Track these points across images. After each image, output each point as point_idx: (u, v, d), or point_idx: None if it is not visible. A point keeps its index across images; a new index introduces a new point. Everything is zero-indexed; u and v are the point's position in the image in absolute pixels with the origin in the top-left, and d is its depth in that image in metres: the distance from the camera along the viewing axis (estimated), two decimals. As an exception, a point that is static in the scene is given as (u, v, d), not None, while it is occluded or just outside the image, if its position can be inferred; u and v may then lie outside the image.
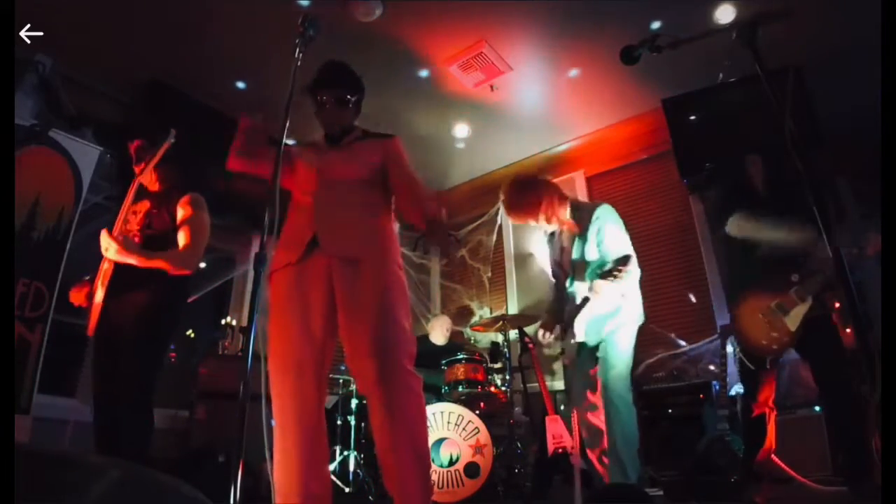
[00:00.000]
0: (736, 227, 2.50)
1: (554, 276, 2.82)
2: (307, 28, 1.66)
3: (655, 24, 3.39)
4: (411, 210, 1.85)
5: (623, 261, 2.31)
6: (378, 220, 1.88)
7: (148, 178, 2.41)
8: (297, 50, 1.68)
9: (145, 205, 2.37)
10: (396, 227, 2.01)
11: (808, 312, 2.25)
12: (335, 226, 1.78)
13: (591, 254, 2.56)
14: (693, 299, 4.02)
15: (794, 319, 2.28)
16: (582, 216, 2.61)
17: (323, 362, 1.75)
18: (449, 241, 1.81)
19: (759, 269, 2.43)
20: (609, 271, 2.32)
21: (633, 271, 2.52)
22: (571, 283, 2.61)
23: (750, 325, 2.39)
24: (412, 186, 1.89)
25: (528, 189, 2.63)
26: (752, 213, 2.45)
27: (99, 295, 2.24)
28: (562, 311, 2.65)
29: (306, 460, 1.63)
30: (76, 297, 2.35)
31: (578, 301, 2.46)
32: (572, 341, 2.53)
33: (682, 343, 3.88)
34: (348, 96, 1.96)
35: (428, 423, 2.94)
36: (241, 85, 4.02)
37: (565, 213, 2.62)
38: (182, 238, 2.30)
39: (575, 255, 2.60)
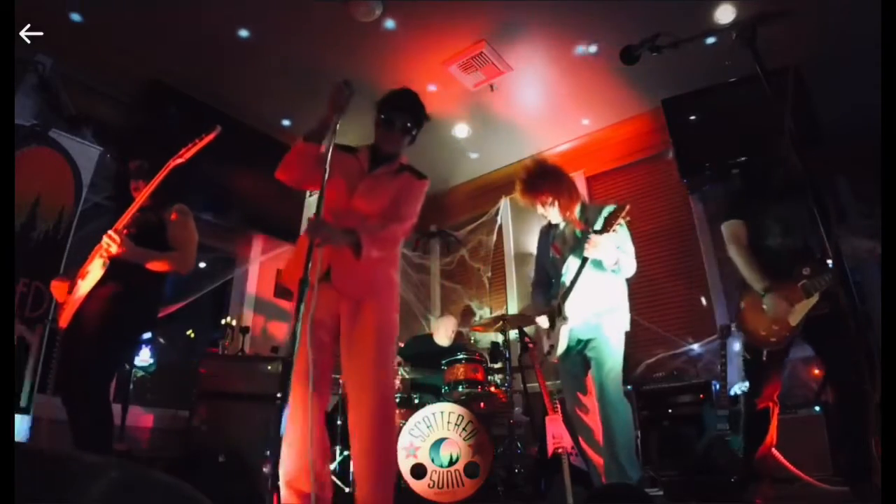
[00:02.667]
0: (727, 231, 2.55)
1: (543, 267, 2.80)
2: (345, 88, 1.85)
3: (655, 25, 3.38)
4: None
5: (617, 213, 2.35)
6: (385, 263, 2.02)
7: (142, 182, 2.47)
8: (336, 111, 1.84)
9: (137, 203, 2.36)
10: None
11: (813, 310, 2.21)
12: (348, 265, 1.89)
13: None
14: (703, 301, 3.99)
15: (796, 314, 2.24)
16: (591, 215, 2.62)
17: (323, 367, 1.96)
18: (323, 234, 1.80)
19: (770, 259, 2.38)
20: (605, 226, 2.36)
21: (630, 265, 2.53)
22: (566, 272, 2.59)
23: (753, 315, 2.36)
24: (396, 214, 2.01)
25: (552, 173, 2.66)
26: (752, 221, 2.48)
27: (83, 288, 2.28)
28: (549, 299, 2.67)
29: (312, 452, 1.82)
30: (58, 290, 2.40)
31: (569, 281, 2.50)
32: (561, 332, 2.53)
33: (682, 343, 3.88)
34: (405, 124, 2.08)
35: (425, 427, 2.94)
36: (241, 84, 4.03)
37: (576, 209, 2.64)
38: (178, 244, 2.45)
39: (574, 247, 2.59)
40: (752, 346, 2.38)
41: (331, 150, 1.74)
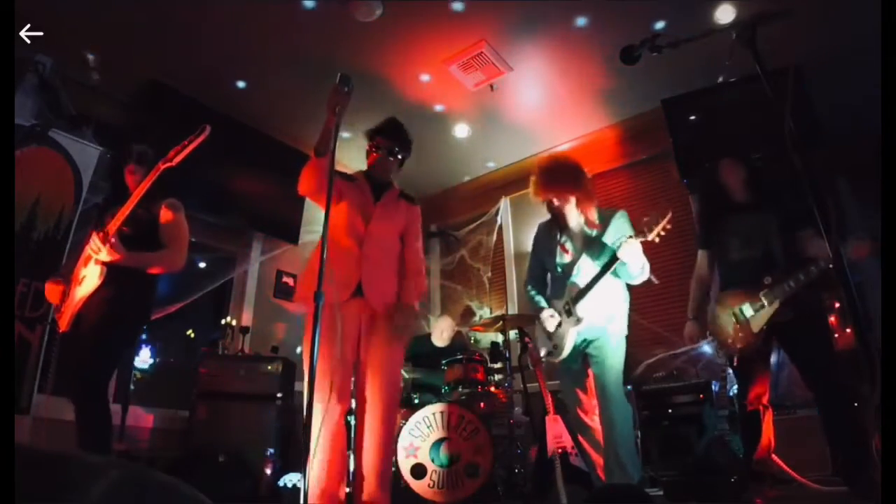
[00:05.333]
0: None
1: (541, 264, 2.77)
2: (343, 86, 1.90)
3: (656, 25, 3.39)
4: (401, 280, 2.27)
5: (658, 219, 2.35)
6: (399, 278, 2.27)
7: (135, 178, 2.45)
8: (337, 109, 1.89)
9: (128, 206, 2.32)
10: None
11: (776, 316, 2.27)
12: (376, 280, 2.16)
13: (606, 251, 2.54)
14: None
15: (757, 321, 2.32)
16: (602, 218, 2.63)
17: (349, 379, 2.17)
18: (408, 327, 2.18)
19: (734, 270, 2.48)
20: (648, 230, 2.34)
21: (645, 268, 2.52)
22: (577, 273, 2.57)
23: (720, 323, 2.46)
24: (414, 257, 2.33)
25: (574, 169, 2.65)
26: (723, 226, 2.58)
27: (80, 293, 2.28)
28: (547, 297, 2.69)
29: (332, 453, 2.05)
30: (52, 293, 2.40)
31: (583, 285, 2.49)
32: (569, 334, 2.51)
33: (682, 343, 3.87)
34: (398, 150, 2.32)
35: (425, 427, 2.94)
36: (241, 84, 4.03)
37: (593, 210, 2.63)
38: (169, 240, 2.43)
39: (588, 248, 2.59)
40: (723, 351, 2.48)
41: (333, 164, 1.83)
